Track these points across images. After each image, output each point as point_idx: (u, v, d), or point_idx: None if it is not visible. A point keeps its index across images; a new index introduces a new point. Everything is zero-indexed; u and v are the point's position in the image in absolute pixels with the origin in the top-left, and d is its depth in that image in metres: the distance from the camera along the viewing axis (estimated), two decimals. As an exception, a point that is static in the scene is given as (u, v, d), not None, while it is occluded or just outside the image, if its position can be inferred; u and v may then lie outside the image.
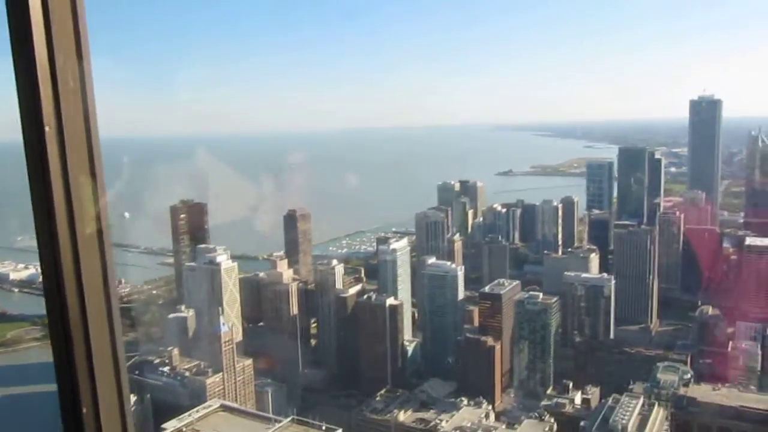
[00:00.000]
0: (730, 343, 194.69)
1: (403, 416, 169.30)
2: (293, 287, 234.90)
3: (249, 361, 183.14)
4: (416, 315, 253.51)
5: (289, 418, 60.76)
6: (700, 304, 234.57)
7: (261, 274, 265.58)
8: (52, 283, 6.13)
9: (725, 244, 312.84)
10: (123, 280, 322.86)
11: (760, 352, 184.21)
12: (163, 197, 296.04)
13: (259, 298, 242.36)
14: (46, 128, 5.64)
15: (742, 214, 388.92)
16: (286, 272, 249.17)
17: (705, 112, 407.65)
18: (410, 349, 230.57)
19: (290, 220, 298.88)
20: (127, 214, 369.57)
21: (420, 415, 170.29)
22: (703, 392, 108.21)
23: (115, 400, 6.53)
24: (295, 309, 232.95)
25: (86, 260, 6.22)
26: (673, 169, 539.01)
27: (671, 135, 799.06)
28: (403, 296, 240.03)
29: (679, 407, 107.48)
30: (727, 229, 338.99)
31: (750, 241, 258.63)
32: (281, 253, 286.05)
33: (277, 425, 59.67)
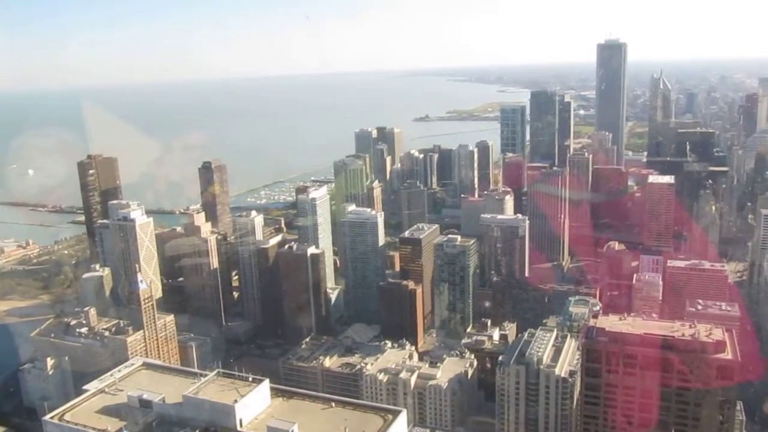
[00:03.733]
0: (635, 275, 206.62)
1: (329, 362, 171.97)
2: (212, 240, 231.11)
3: (170, 317, 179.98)
4: (338, 262, 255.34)
5: (214, 372, 60.66)
6: (607, 240, 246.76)
7: (178, 229, 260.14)
8: None
9: (630, 183, 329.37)
10: (31, 241, 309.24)
11: (660, 283, 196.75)
12: (67, 153, 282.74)
13: (177, 253, 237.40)
14: None
15: (645, 153, 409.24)
16: (204, 226, 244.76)
17: (611, 55, 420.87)
18: (333, 296, 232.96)
19: (206, 173, 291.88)
20: (31, 172, 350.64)
21: (345, 359, 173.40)
22: (611, 322, 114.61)
23: None
24: (215, 262, 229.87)
25: None
26: (582, 112, 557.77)
27: (581, 78, 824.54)
28: (324, 244, 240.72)
29: (588, 337, 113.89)
30: (632, 168, 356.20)
31: (652, 179, 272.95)
32: (198, 206, 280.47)
33: (203, 379, 59.48)
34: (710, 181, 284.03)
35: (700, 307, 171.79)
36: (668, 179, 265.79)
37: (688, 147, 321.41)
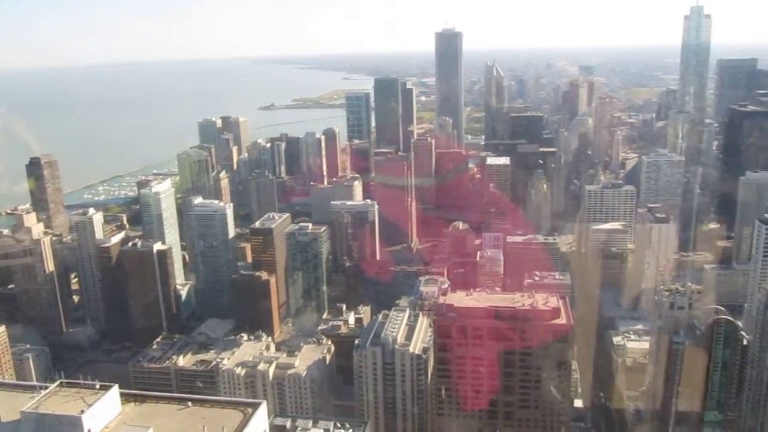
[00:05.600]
0: (478, 253, 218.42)
1: (183, 360, 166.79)
2: (46, 242, 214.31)
3: (1, 328, 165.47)
4: (187, 257, 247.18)
5: (56, 383, 56.90)
6: (452, 221, 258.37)
7: (5, 231, 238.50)
8: None
9: (470, 165, 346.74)
10: None
11: (502, 258, 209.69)
12: None
13: (5, 258, 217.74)
14: None
15: (483, 137, 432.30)
16: (35, 226, 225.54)
17: (448, 44, 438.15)
18: (184, 292, 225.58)
19: (35, 169, 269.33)
20: None
21: (200, 356, 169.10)
22: (458, 298, 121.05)
23: None
24: (50, 265, 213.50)
25: None
26: (423, 98, 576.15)
27: (421, 66, 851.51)
28: (171, 240, 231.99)
29: (439, 314, 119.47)
30: (472, 151, 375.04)
31: (490, 160, 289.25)
32: (27, 205, 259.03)
33: (44, 392, 55.64)
34: (541, 161, 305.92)
35: (537, 278, 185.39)
36: (504, 160, 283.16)
37: (519, 130, 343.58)
